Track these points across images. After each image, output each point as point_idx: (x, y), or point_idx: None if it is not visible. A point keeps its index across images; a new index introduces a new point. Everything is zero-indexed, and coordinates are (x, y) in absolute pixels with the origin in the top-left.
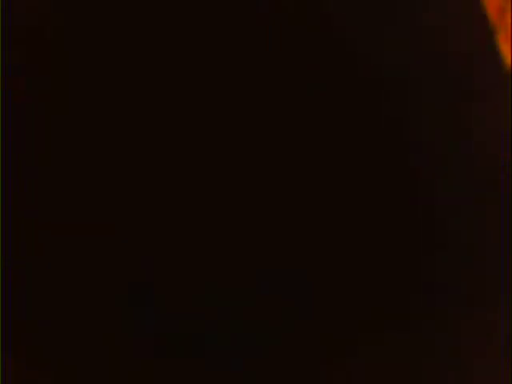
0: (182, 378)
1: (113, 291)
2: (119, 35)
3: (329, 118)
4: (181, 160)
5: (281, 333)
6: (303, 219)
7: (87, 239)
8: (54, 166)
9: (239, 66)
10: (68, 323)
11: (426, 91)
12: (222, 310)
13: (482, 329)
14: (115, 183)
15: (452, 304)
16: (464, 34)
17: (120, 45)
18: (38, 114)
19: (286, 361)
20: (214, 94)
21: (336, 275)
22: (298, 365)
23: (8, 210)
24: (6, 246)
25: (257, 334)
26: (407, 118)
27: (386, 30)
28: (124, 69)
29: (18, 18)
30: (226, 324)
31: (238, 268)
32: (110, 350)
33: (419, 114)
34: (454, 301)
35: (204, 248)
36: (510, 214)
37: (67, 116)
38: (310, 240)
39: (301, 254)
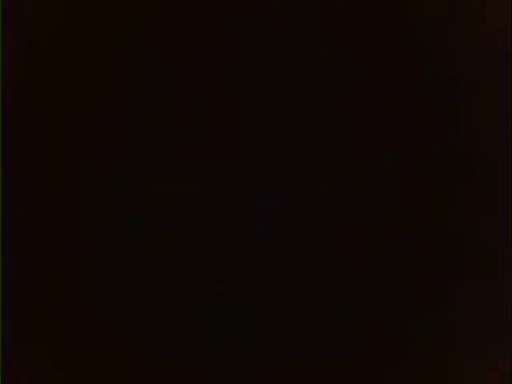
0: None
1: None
2: (119, 34)
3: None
4: (181, 161)
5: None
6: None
7: (87, 239)
8: (53, 165)
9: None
10: (69, 322)
11: None
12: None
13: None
14: (116, 185)
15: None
16: None
17: (120, 44)
18: (38, 114)
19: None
20: (214, 93)
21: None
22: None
23: (8, 209)
24: (5, 246)
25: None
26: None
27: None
28: (124, 68)
29: (18, 16)
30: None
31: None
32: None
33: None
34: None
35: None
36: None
37: (67, 116)
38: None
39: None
